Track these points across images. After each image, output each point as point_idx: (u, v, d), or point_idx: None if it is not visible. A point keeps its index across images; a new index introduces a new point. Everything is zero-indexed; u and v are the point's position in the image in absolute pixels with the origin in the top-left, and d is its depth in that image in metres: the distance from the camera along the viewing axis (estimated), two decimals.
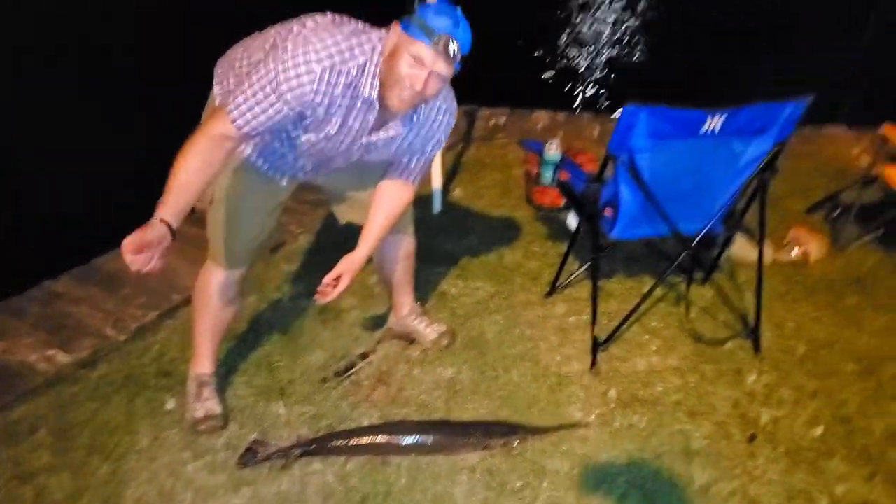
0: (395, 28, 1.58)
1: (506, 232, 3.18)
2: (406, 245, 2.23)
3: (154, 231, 1.47)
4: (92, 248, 2.92)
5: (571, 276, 2.71)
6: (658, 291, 2.51)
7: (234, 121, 1.56)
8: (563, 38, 7.75)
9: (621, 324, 2.38)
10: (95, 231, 3.23)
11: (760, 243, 2.30)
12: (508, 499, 1.82)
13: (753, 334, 2.36)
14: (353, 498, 1.81)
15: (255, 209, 1.89)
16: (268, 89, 1.53)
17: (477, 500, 1.82)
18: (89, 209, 3.63)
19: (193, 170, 1.54)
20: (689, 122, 1.96)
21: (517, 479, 1.88)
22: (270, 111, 1.56)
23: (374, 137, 1.73)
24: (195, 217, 3.33)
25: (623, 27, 8.21)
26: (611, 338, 2.36)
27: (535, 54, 7.16)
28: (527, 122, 4.59)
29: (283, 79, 1.52)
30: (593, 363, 2.29)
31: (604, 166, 2.17)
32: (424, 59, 1.54)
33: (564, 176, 2.64)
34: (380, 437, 1.95)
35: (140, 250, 1.44)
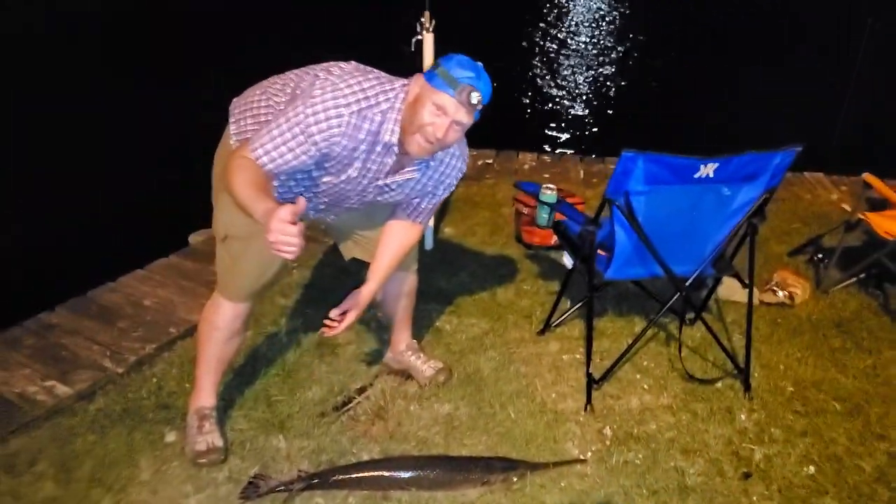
0: (419, 79, 1.66)
1: (497, 270, 3.24)
2: (409, 283, 2.28)
3: (287, 209, 1.40)
4: (87, 280, 2.92)
5: (564, 314, 2.77)
6: (648, 331, 2.57)
7: (257, 159, 1.61)
8: (549, 82, 7.98)
9: (616, 363, 2.43)
10: (90, 263, 3.23)
11: (750, 286, 2.39)
12: None
13: (743, 374, 2.43)
14: None
15: (265, 247, 1.92)
16: (296, 130, 1.59)
17: None
18: (84, 241, 3.63)
19: (256, 175, 1.58)
20: (684, 168, 2.05)
21: None
22: (297, 151, 1.61)
23: (389, 180, 1.79)
24: (192, 250, 3.36)
25: (606, 72, 8.49)
26: (605, 376, 2.41)
27: (520, 97, 7.37)
28: (514, 162, 4.71)
29: (314, 121, 1.58)
30: (588, 400, 2.33)
31: (600, 208, 2.25)
32: (447, 109, 1.62)
33: (559, 217, 2.71)
34: (380, 471, 1.96)
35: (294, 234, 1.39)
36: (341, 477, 1.93)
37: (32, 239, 3.69)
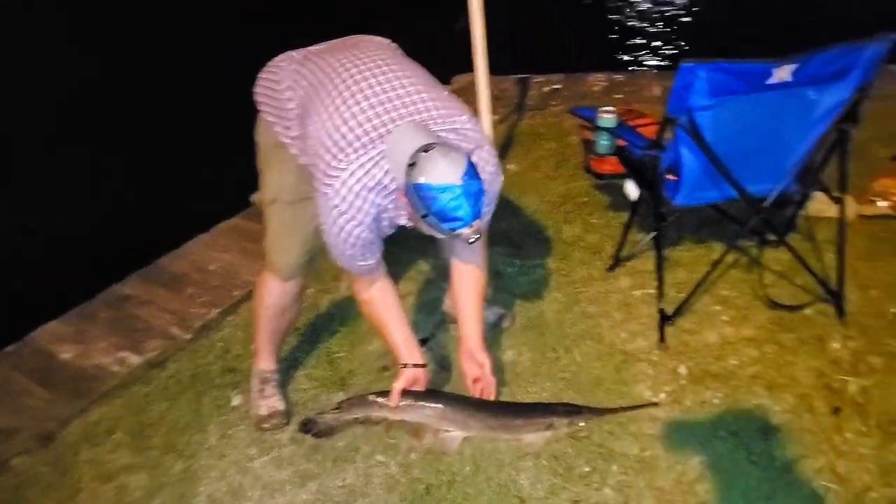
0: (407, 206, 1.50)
1: (563, 204, 3.06)
2: None
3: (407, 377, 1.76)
4: (156, 247, 3.00)
5: (635, 247, 2.59)
6: (728, 258, 2.36)
7: (367, 273, 1.70)
8: None
9: (690, 295, 2.25)
10: (157, 229, 3.34)
11: (841, 200, 2.11)
12: (576, 484, 1.77)
13: (836, 297, 2.18)
14: (418, 489, 1.80)
15: (312, 216, 1.84)
16: (352, 248, 1.60)
17: (543, 486, 1.77)
18: (150, 208, 3.76)
19: (395, 314, 1.78)
20: (754, 74, 1.79)
21: (584, 464, 1.81)
22: (367, 249, 1.62)
23: None
24: (254, 210, 3.39)
25: None
26: (679, 310, 2.24)
27: (588, 14, 6.87)
28: (583, 85, 4.40)
29: (353, 239, 1.57)
30: (661, 338, 2.18)
31: (662, 129, 2.03)
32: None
33: (622, 143, 2.49)
34: (440, 403, 1.79)
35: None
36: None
37: (101, 210, 3.84)
